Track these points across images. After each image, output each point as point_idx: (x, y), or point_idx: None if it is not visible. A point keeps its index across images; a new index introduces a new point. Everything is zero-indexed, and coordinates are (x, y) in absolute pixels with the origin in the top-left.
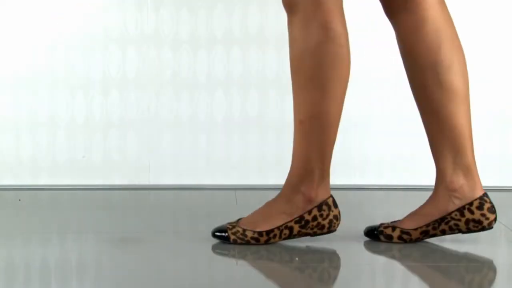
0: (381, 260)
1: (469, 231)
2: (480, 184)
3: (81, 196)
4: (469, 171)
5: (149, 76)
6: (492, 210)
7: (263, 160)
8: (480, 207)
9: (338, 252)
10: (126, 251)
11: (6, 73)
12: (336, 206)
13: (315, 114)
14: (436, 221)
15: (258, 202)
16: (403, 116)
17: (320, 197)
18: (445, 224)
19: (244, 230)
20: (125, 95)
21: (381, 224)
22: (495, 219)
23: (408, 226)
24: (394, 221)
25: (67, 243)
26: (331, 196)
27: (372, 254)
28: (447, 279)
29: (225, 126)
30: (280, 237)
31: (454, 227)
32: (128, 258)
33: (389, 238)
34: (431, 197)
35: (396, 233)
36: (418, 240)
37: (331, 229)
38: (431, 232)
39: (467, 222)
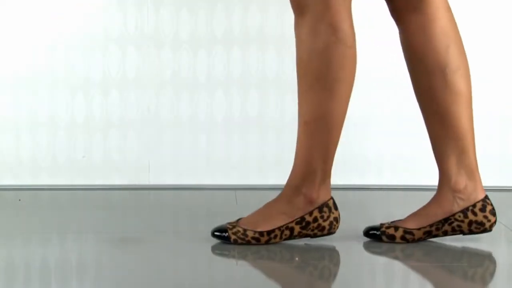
0: (381, 260)
1: (470, 232)
2: (482, 186)
3: (81, 196)
4: (472, 172)
5: (149, 76)
6: (493, 212)
7: (263, 160)
8: (483, 209)
9: (338, 250)
10: (126, 251)
11: (6, 73)
12: (336, 208)
13: (321, 115)
14: (439, 221)
15: (258, 202)
16: (403, 116)
17: (321, 198)
18: (448, 225)
19: (245, 230)
20: (125, 95)
21: (382, 225)
22: (495, 222)
23: (411, 226)
24: (394, 221)
25: (67, 243)
26: (332, 198)
27: (372, 255)
28: (450, 277)
29: (225, 126)
30: (280, 237)
31: (456, 228)
32: (128, 258)
33: (392, 238)
34: (434, 198)
35: (399, 233)
36: (420, 240)
37: (331, 230)
38: (434, 232)
39: (470, 223)
